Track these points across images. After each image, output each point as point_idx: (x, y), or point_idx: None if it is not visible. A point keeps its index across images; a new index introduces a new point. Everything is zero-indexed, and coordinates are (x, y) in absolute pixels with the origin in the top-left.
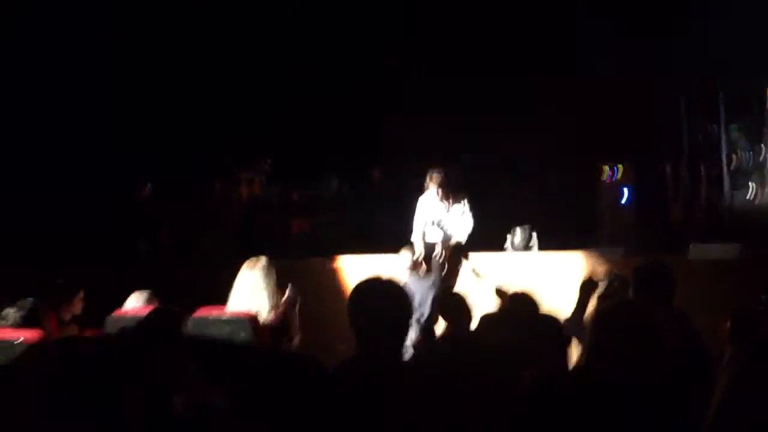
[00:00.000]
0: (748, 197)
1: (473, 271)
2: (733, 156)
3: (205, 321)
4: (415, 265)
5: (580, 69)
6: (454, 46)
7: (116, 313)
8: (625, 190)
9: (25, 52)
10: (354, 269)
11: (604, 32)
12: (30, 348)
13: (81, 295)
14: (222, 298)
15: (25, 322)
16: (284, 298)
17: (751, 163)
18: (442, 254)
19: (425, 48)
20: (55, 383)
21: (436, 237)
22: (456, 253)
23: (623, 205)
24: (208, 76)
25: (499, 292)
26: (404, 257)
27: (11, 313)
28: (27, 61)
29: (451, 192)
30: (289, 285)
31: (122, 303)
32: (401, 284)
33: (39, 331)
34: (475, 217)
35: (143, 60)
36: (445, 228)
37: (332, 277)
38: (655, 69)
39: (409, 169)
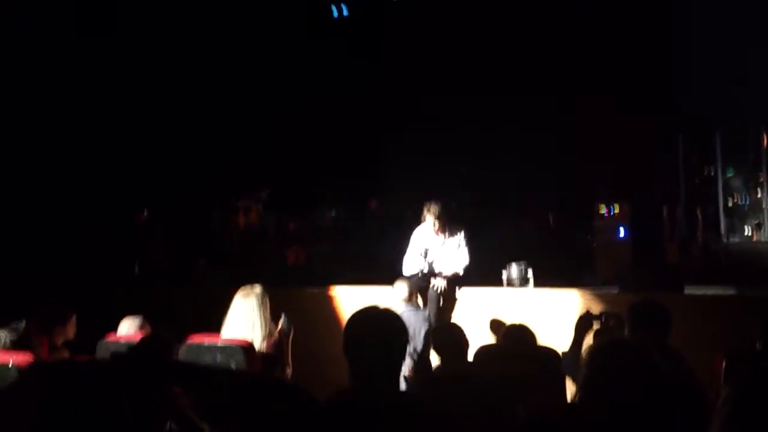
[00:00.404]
0: (743, 240)
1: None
2: (729, 198)
3: (198, 348)
4: (411, 296)
5: (579, 108)
6: (454, 79)
7: (109, 338)
8: (621, 227)
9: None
10: (349, 300)
11: (602, 71)
12: (22, 372)
13: (74, 319)
14: (216, 326)
15: (16, 346)
16: (278, 328)
17: (747, 206)
18: (439, 286)
19: (425, 78)
20: (45, 407)
21: (431, 269)
22: (451, 286)
23: (619, 240)
24: (208, 105)
25: (495, 326)
26: (399, 289)
27: (2, 335)
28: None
29: (447, 225)
30: (283, 315)
31: (115, 328)
32: (397, 315)
33: (30, 354)
34: (471, 251)
35: (141, 87)
36: (440, 261)
37: (327, 307)
38: (653, 110)
39: (406, 199)
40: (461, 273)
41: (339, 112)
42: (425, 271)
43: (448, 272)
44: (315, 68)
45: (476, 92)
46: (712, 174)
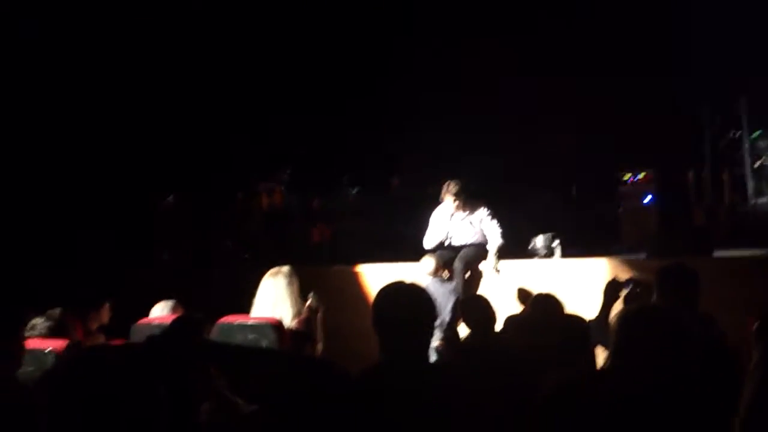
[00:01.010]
0: None
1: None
2: (755, 160)
3: (230, 327)
4: (437, 270)
5: (603, 76)
6: (474, 53)
7: (142, 322)
8: (647, 193)
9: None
10: (375, 276)
11: (626, 39)
12: (59, 358)
13: (108, 305)
14: (244, 307)
15: (52, 332)
16: (307, 305)
17: None
18: (494, 265)
19: (445, 54)
20: (84, 392)
21: (457, 244)
22: (478, 259)
23: (645, 206)
24: (230, 88)
25: (522, 297)
26: (426, 263)
27: (39, 323)
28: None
29: (466, 203)
30: (312, 292)
31: (147, 313)
32: (424, 288)
33: (66, 340)
34: (498, 222)
35: (167, 72)
36: (460, 238)
37: (354, 284)
38: (677, 75)
39: (428, 177)
40: (502, 241)
41: (358, 90)
42: (447, 244)
43: (494, 248)
44: (334, 47)
45: (496, 69)
46: (738, 136)
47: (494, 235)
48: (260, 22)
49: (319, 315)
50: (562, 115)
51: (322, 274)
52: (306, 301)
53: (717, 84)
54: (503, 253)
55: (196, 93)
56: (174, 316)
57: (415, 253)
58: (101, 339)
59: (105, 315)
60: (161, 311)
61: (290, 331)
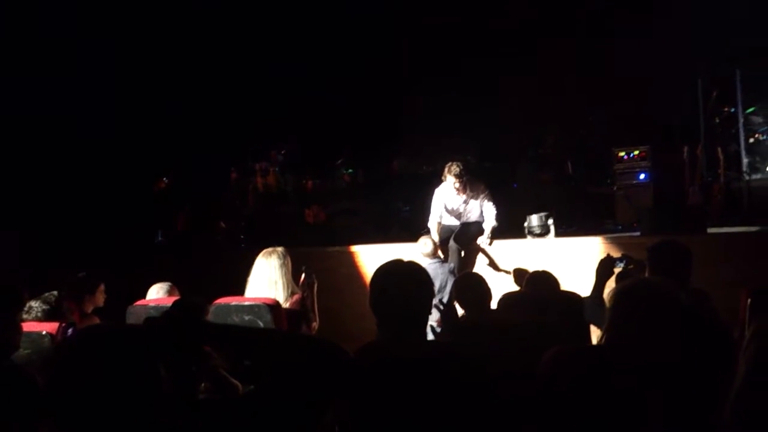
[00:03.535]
0: (766, 176)
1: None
2: (750, 136)
3: (227, 308)
4: (435, 250)
5: (597, 52)
6: (469, 31)
7: (138, 304)
8: (641, 171)
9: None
10: (370, 258)
11: (618, 15)
12: (57, 340)
13: (102, 287)
14: (239, 288)
15: (48, 316)
16: (301, 281)
17: None
18: (485, 243)
19: (442, 36)
20: (84, 372)
21: (456, 223)
22: (474, 239)
23: (640, 183)
24: (223, 68)
25: (518, 276)
26: (423, 244)
27: (35, 306)
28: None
29: (468, 184)
30: (304, 268)
31: (142, 295)
32: (422, 266)
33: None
34: (494, 203)
35: (158, 54)
36: (462, 218)
37: (348, 265)
38: (671, 51)
39: (424, 156)
40: (496, 223)
41: (355, 72)
42: (448, 225)
43: (489, 228)
44: (331, 27)
45: (490, 49)
46: (732, 112)
47: (490, 216)
48: (256, 3)
49: (314, 290)
50: (557, 94)
51: (316, 254)
52: (299, 277)
53: (711, 59)
54: (497, 233)
55: (190, 75)
56: (171, 299)
57: (409, 233)
58: (96, 321)
59: (100, 297)
60: (157, 293)
61: (285, 311)
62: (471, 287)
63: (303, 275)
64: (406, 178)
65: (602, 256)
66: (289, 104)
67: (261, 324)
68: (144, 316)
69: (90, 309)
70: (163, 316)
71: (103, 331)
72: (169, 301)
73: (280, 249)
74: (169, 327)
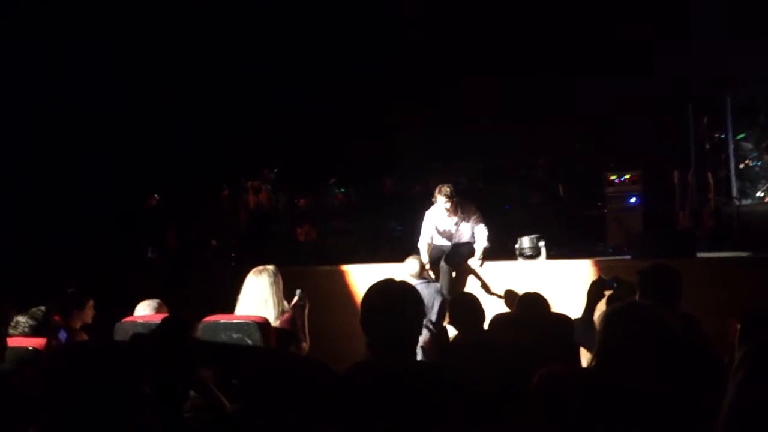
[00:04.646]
0: (755, 202)
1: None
2: (741, 162)
3: (215, 326)
4: (422, 271)
5: (590, 77)
6: (464, 53)
7: (126, 320)
8: (632, 195)
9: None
10: (361, 277)
11: (612, 41)
12: (43, 356)
13: (91, 303)
14: (229, 306)
15: (35, 331)
16: (293, 302)
17: (758, 170)
18: (476, 265)
19: (436, 56)
20: (68, 389)
21: (447, 244)
22: (464, 259)
23: (630, 207)
24: (218, 85)
25: (509, 298)
26: (411, 264)
27: (22, 321)
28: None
29: (459, 205)
30: (299, 290)
31: (130, 312)
32: (413, 286)
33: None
34: (485, 225)
35: (151, 66)
36: (453, 239)
37: (340, 284)
38: (662, 77)
39: (416, 176)
40: (488, 244)
41: (349, 92)
42: (438, 245)
43: (480, 249)
44: (326, 45)
45: (482, 71)
46: (723, 138)
47: (481, 237)
48: (247, 18)
49: (306, 312)
50: (549, 115)
51: (308, 273)
52: (292, 298)
53: (702, 86)
54: (489, 255)
55: (183, 90)
56: (159, 316)
57: (401, 253)
58: (84, 338)
59: (88, 314)
60: (144, 310)
61: (275, 330)
62: (464, 308)
63: (296, 297)
64: (398, 199)
65: (593, 278)
66: (283, 122)
67: (250, 342)
68: (132, 332)
69: (78, 325)
70: (150, 333)
71: (90, 348)
72: (157, 318)
73: (270, 267)
74: (157, 344)
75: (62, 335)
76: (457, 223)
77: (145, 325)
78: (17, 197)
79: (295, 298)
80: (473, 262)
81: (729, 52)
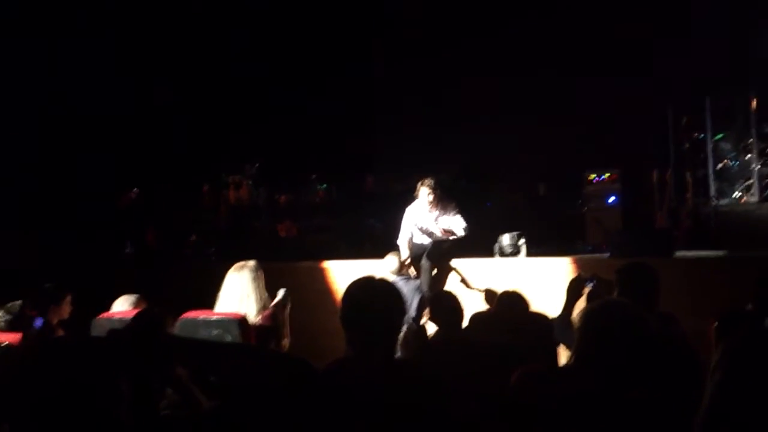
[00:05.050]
0: (732, 202)
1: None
2: (719, 164)
3: (193, 323)
4: (401, 268)
5: (570, 76)
6: (445, 53)
7: (103, 316)
8: (611, 193)
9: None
10: (341, 273)
11: (593, 41)
12: (18, 351)
13: (69, 299)
14: (209, 302)
15: (11, 326)
16: (275, 301)
17: (736, 169)
18: (446, 237)
19: (418, 55)
20: (44, 385)
21: (425, 241)
22: (445, 257)
23: (609, 206)
24: (198, 81)
25: (488, 296)
26: (390, 261)
27: None
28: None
29: (441, 199)
30: (283, 289)
31: (108, 307)
32: (393, 283)
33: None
34: (465, 220)
35: (132, 60)
36: (434, 236)
37: (320, 280)
38: (643, 78)
39: (397, 174)
40: (462, 234)
41: (331, 89)
42: (418, 242)
43: (455, 231)
44: (307, 43)
45: (465, 70)
46: (702, 137)
47: (458, 228)
48: (232, 15)
49: (287, 311)
50: (529, 114)
51: (288, 269)
52: (272, 296)
53: (682, 86)
54: (468, 251)
55: (163, 85)
56: (136, 311)
57: (382, 250)
58: (60, 333)
59: (66, 309)
60: (122, 305)
61: (255, 326)
62: (444, 305)
63: (279, 294)
64: (379, 196)
65: (572, 276)
66: (265, 118)
67: (229, 339)
68: (108, 328)
69: (55, 321)
70: (125, 329)
71: (66, 344)
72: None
73: (252, 263)
74: (132, 339)
75: (38, 323)
76: (437, 220)
77: (122, 320)
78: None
79: (278, 297)
80: (441, 229)
81: (709, 53)
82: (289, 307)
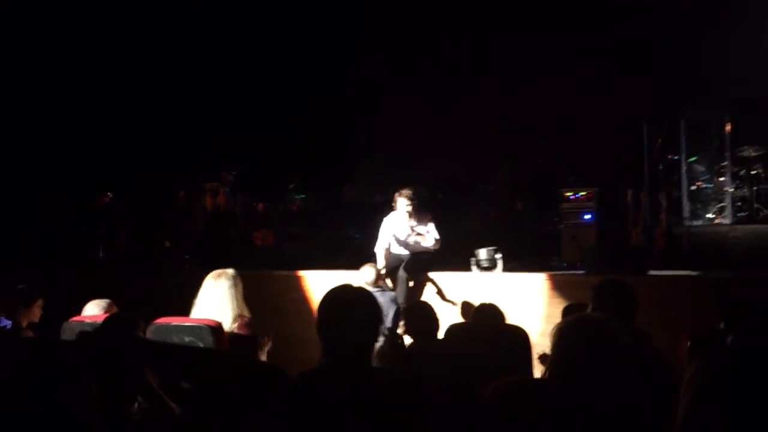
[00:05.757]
0: (705, 223)
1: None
2: (693, 185)
3: (166, 328)
4: (377, 279)
5: (549, 94)
6: (425, 66)
7: (73, 320)
8: (587, 211)
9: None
10: (318, 283)
11: (568, 61)
12: None
13: (40, 302)
14: (183, 309)
15: None
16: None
17: (709, 193)
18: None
19: (396, 65)
20: (14, 386)
21: (402, 252)
22: (420, 269)
23: (585, 223)
24: (179, 87)
25: (465, 309)
26: (366, 272)
27: None
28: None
29: (417, 212)
30: (267, 337)
31: (79, 311)
32: (371, 293)
33: None
34: (441, 236)
35: (114, 70)
36: (410, 247)
37: (296, 290)
38: (618, 98)
39: (376, 185)
40: (434, 246)
41: (310, 99)
42: (395, 252)
43: (427, 238)
44: (287, 53)
45: (442, 85)
46: (676, 159)
47: (430, 238)
48: (209, 23)
49: (266, 349)
50: (507, 131)
51: (264, 278)
52: (252, 304)
53: (658, 107)
54: (444, 264)
55: (142, 89)
56: (106, 315)
57: (359, 259)
58: (30, 336)
59: (36, 312)
60: (93, 309)
61: (230, 334)
62: (419, 316)
63: (268, 344)
64: (357, 206)
65: (547, 292)
66: (243, 126)
67: (202, 345)
68: (78, 332)
69: (24, 323)
70: (95, 332)
71: (35, 346)
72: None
73: (230, 271)
74: (102, 342)
75: (3, 323)
76: (413, 229)
77: (92, 324)
78: None
79: (266, 344)
80: (412, 229)
81: (684, 75)
82: (267, 348)
